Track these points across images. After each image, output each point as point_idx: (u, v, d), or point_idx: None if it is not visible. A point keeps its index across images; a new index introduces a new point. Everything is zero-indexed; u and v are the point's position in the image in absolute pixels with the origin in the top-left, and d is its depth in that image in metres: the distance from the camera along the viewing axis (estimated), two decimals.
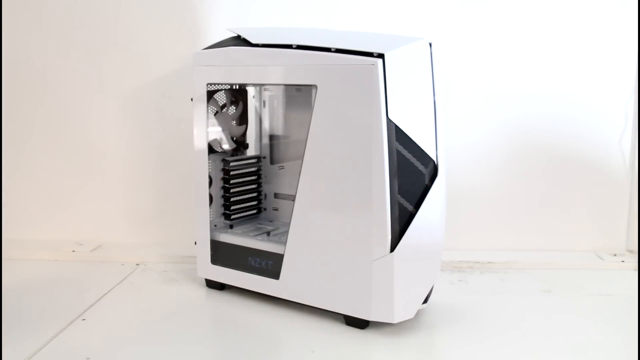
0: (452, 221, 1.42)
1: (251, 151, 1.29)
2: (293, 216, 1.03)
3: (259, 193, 1.29)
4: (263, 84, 1.25)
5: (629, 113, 1.41)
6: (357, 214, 0.95)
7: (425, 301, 1.02)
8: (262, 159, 1.29)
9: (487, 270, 1.32)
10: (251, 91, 1.27)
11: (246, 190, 1.26)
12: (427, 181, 0.97)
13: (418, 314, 1.02)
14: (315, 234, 1.01)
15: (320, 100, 0.97)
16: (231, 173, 1.22)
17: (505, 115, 1.42)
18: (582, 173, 1.43)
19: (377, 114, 0.91)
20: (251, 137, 1.29)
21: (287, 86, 1.22)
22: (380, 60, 0.90)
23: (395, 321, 0.96)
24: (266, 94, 1.27)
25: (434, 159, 0.98)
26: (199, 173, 1.16)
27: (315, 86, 0.97)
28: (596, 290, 1.19)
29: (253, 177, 1.27)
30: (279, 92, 1.25)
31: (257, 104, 1.28)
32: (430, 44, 0.97)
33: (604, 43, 1.39)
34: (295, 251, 1.04)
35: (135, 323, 1.03)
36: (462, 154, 1.42)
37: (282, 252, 1.06)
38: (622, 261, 1.36)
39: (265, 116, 1.28)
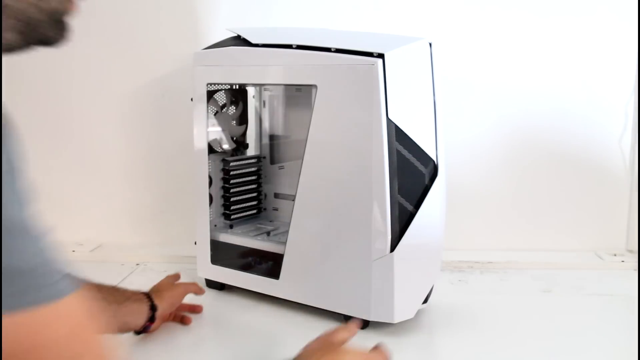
0: (452, 221, 1.42)
1: (251, 151, 1.29)
2: (293, 216, 1.03)
3: (259, 193, 1.29)
4: (263, 84, 1.25)
5: (629, 113, 1.41)
6: (357, 213, 0.95)
7: (425, 301, 1.02)
8: (262, 159, 1.28)
9: (487, 270, 1.32)
10: (251, 91, 1.27)
11: (246, 190, 1.25)
12: (427, 181, 0.97)
13: (418, 314, 1.02)
14: (315, 234, 1.01)
15: (320, 100, 0.97)
16: (231, 173, 1.22)
17: (505, 115, 1.42)
18: (582, 173, 1.43)
19: (377, 114, 0.91)
20: (251, 137, 1.29)
21: (287, 86, 1.22)
22: (380, 60, 0.90)
23: (395, 321, 0.96)
24: (266, 94, 1.27)
25: (434, 158, 0.97)
26: (199, 173, 1.16)
27: (315, 86, 0.97)
28: (596, 290, 1.19)
29: (253, 177, 1.27)
30: (279, 92, 1.25)
31: (257, 104, 1.28)
32: (430, 44, 0.97)
33: (604, 43, 1.38)
34: (295, 251, 1.04)
35: None
36: (461, 154, 1.42)
37: (282, 252, 1.06)
38: (622, 261, 1.35)
39: (265, 116, 1.28)
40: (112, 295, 0.86)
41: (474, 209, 1.44)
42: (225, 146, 1.24)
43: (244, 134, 1.27)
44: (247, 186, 1.26)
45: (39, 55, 1.55)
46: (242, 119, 1.26)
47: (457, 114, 1.41)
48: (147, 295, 0.93)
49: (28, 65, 1.46)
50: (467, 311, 1.08)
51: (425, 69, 0.97)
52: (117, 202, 1.50)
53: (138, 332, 0.93)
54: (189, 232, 1.25)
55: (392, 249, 0.93)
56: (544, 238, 1.44)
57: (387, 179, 0.92)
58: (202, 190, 1.16)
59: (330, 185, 0.98)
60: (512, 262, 1.34)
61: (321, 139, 0.98)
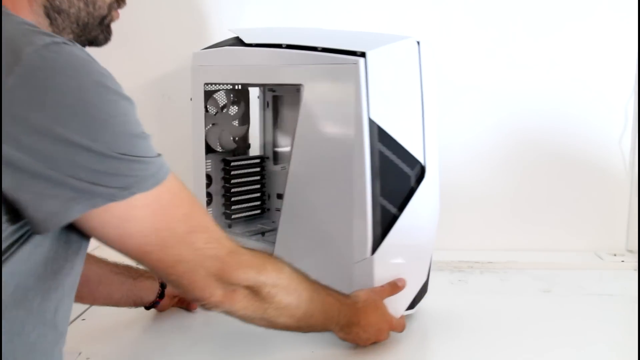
0: (452, 221, 1.42)
1: (255, 151, 1.29)
2: (281, 217, 1.01)
3: (263, 193, 1.28)
4: (255, 84, 1.23)
5: (629, 113, 1.41)
6: (339, 215, 0.92)
7: (413, 306, 0.99)
8: (265, 159, 1.28)
9: (487, 270, 1.32)
10: (255, 91, 1.26)
11: (248, 190, 1.25)
12: (412, 183, 0.93)
13: (418, 314, 1.02)
14: (301, 235, 0.99)
15: (306, 100, 0.95)
16: (232, 173, 1.21)
17: (505, 116, 1.42)
18: (582, 173, 1.43)
19: (359, 114, 0.88)
20: (255, 138, 1.28)
21: (290, 86, 1.22)
22: (362, 59, 0.87)
23: None
24: (270, 94, 1.27)
25: (421, 160, 0.94)
26: (197, 172, 1.16)
27: (302, 85, 0.95)
28: (596, 290, 1.19)
29: (255, 178, 1.26)
30: (283, 92, 1.25)
31: (261, 104, 1.27)
32: (418, 43, 0.93)
33: (604, 42, 1.39)
34: (283, 252, 1.01)
35: (135, 323, 1.03)
36: (462, 154, 1.42)
37: (272, 253, 1.04)
38: (622, 261, 1.36)
39: (269, 116, 1.27)
40: (128, 271, 0.98)
41: (474, 209, 1.44)
42: (227, 146, 1.23)
43: (245, 134, 1.27)
44: (249, 186, 1.25)
45: None
46: (244, 119, 1.26)
47: (457, 114, 1.41)
48: None
49: None
50: (467, 311, 1.08)
51: (412, 68, 0.93)
52: None
53: (148, 307, 1.03)
54: None
55: (373, 252, 0.91)
56: (544, 238, 1.44)
57: (368, 180, 0.89)
58: (200, 189, 1.16)
59: (316, 187, 0.96)
60: (512, 262, 1.34)
61: (307, 140, 0.96)
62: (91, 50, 1.51)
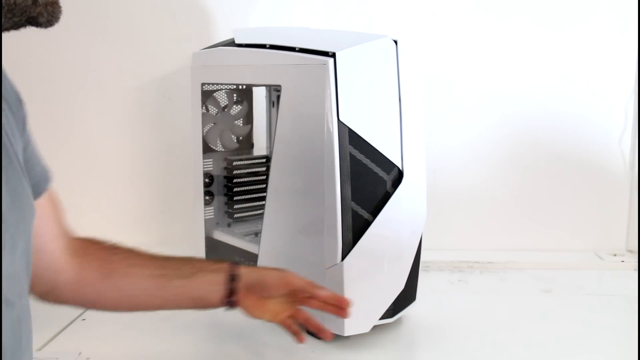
0: (452, 221, 1.43)
1: (262, 151, 1.28)
2: (264, 218, 1.00)
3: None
4: (244, 84, 1.23)
5: (629, 113, 1.41)
6: (313, 220, 0.91)
7: (393, 315, 0.96)
8: (270, 159, 1.26)
9: (487, 270, 1.32)
10: (262, 91, 1.26)
11: (251, 190, 1.24)
12: (388, 187, 0.91)
13: (418, 314, 1.02)
14: (280, 237, 0.98)
15: (284, 101, 0.94)
16: (234, 172, 1.21)
17: (505, 115, 1.42)
18: (582, 172, 1.43)
19: (329, 115, 0.86)
20: (262, 137, 1.28)
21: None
22: (331, 60, 0.85)
23: (345, 334, 0.91)
24: (275, 94, 1.26)
25: (399, 164, 0.91)
26: (195, 172, 1.17)
27: (281, 87, 0.94)
28: (596, 290, 1.19)
29: (259, 177, 1.24)
30: None
31: (267, 104, 1.27)
32: (395, 42, 0.90)
33: (604, 42, 1.39)
34: (266, 254, 1.01)
35: (135, 323, 1.03)
36: (462, 155, 1.42)
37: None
38: (622, 261, 1.36)
39: (274, 116, 1.27)
40: (179, 269, 0.79)
41: (475, 209, 1.44)
42: (229, 145, 1.23)
43: (249, 134, 1.27)
44: (252, 186, 1.23)
45: (39, 55, 1.56)
46: (248, 119, 1.26)
47: (457, 115, 1.41)
48: (234, 265, 0.79)
49: (27, 65, 1.46)
50: (467, 311, 1.08)
51: (388, 68, 0.90)
52: (117, 202, 1.50)
53: (228, 307, 0.79)
54: (189, 231, 1.25)
55: (343, 257, 0.88)
56: (544, 238, 1.44)
57: (337, 184, 0.86)
58: (199, 188, 1.17)
59: (292, 190, 0.95)
60: (512, 262, 1.34)
61: (285, 142, 0.94)
62: (87, 49, 1.51)
